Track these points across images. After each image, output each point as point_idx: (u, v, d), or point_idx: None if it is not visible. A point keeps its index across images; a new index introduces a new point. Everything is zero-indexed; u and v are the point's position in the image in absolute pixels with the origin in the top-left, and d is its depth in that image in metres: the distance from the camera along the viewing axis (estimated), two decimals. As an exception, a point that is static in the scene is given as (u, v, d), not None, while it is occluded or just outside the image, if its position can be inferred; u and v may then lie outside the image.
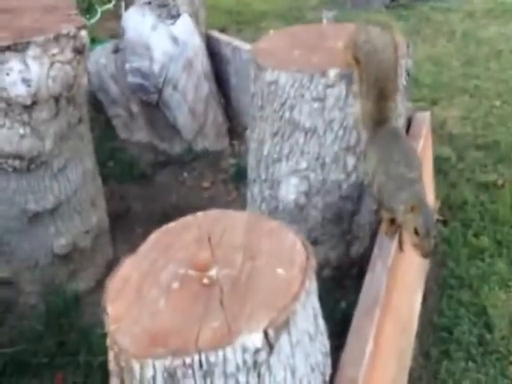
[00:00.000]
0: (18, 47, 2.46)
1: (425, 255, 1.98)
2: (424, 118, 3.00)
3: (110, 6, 6.71)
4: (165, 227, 1.74)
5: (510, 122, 4.10)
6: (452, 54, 5.39)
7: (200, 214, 1.77)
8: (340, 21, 4.77)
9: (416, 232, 1.93)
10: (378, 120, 2.29)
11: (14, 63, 2.47)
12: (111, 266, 2.62)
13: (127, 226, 3.40)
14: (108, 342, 1.38)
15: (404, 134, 2.46)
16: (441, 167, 3.59)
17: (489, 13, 6.48)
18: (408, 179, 2.09)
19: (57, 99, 2.61)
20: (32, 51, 2.48)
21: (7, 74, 2.47)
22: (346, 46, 2.35)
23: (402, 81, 2.52)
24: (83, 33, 2.64)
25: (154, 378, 1.32)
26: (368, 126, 2.33)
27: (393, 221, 2.22)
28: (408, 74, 2.54)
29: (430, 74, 4.95)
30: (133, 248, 1.66)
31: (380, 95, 2.25)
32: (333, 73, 2.36)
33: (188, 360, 1.30)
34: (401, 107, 2.57)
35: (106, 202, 3.20)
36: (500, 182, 3.45)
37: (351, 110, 2.41)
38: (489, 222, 3.13)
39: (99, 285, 2.68)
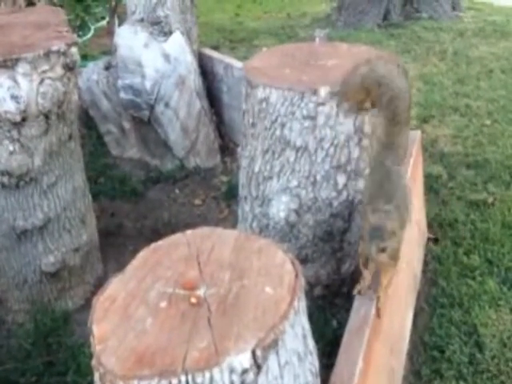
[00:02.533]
0: (7, 63, 2.46)
1: None
2: (414, 137, 3.01)
3: (104, 23, 6.75)
4: (153, 245, 1.72)
5: (500, 141, 4.12)
6: (443, 72, 5.43)
7: (189, 231, 1.76)
8: (332, 39, 4.81)
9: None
10: (385, 144, 2.28)
11: (3, 80, 2.46)
12: (101, 283, 2.58)
13: (118, 243, 3.39)
14: (93, 362, 1.35)
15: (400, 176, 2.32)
16: (432, 185, 3.60)
17: (479, 32, 6.56)
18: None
19: (47, 116, 2.60)
20: (21, 68, 2.48)
21: (-4, 91, 2.47)
22: (357, 75, 2.28)
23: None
24: (74, 49, 2.64)
25: (139, 399, 1.30)
26: (374, 148, 2.34)
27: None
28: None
29: (421, 93, 4.98)
30: (123, 265, 1.65)
31: (392, 119, 2.23)
32: (324, 91, 2.36)
33: (174, 381, 1.28)
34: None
35: (97, 218, 3.19)
36: (490, 201, 3.46)
37: (342, 128, 2.41)
38: (479, 240, 3.13)
39: (88, 303, 2.63)
